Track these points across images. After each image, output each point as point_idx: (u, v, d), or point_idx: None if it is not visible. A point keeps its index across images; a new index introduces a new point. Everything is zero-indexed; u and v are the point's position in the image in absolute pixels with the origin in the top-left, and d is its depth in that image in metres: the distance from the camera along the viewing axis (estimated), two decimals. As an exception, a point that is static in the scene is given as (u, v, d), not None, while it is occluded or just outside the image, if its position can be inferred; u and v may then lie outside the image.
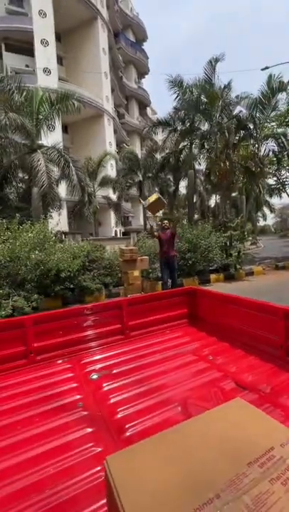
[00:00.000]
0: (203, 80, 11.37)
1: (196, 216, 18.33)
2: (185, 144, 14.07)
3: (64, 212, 17.58)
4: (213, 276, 8.15)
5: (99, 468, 1.01)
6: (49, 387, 1.57)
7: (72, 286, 6.19)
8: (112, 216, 21.70)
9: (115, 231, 23.07)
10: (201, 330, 2.32)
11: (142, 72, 36.74)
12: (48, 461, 1.08)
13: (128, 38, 33.04)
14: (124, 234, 23.41)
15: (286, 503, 0.47)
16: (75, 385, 1.60)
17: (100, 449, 1.11)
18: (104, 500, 0.87)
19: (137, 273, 6.33)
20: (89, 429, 1.23)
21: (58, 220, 12.66)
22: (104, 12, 25.21)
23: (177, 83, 11.63)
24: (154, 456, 0.58)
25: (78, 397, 1.48)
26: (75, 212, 17.38)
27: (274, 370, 1.63)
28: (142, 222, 22.43)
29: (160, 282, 6.60)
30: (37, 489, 0.96)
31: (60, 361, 1.89)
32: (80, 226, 19.48)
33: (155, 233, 6.35)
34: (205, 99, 11.37)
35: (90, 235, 17.69)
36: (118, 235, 22.00)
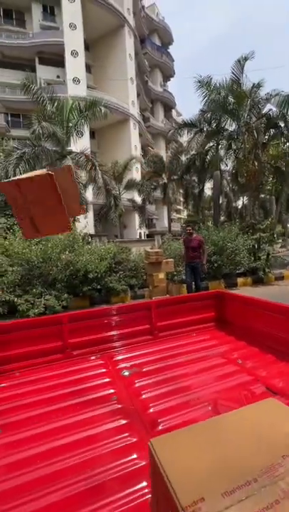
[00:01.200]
0: (231, 80, 11.18)
1: (222, 218, 17.93)
2: (211, 144, 13.89)
3: (90, 215, 18.19)
4: (240, 280, 7.94)
5: (135, 456, 1.09)
6: (84, 381, 1.69)
7: (99, 286, 6.41)
8: (137, 218, 21.98)
9: (140, 233, 23.32)
10: (229, 334, 2.32)
11: (168, 75, 36.92)
12: (86, 447, 1.18)
13: (154, 42, 33.44)
14: (148, 236, 23.57)
15: None
16: (108, 379, 1.70)
17: (134, 440, 1.19)
18: (141, 485, 0.95)
19: (162, 275, 6.38)
20: (123, 421, 1.32)
21: (86, 223, 13.12)
22: (130, 19, 25.78)
23: (205, 83, 11.54)
24: (195, 441, 0.64)
25: (112, 391, 1.57)
26: (101, 215, 17.90)
27: None
28: (166, 224, 22.43)
29: (185, 285, 6.59)
30: (76, 471, 1.06)
31: (93, 357, 2.01)
32: (106, 228, 19.99)
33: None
34: (232, 99, 11.16)
35: (115, 237, 18.08)
36: (142, 237, 22.22)
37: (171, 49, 36.72)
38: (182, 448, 0.62)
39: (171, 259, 6.67)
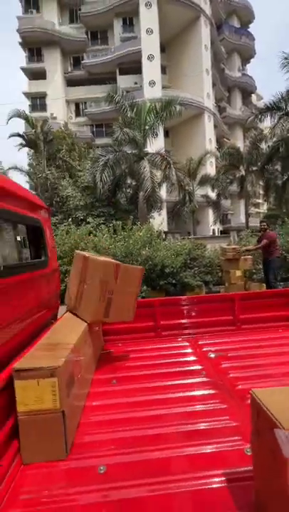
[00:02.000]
0: None
1: (311, 211, 15.61)
2: (300, 127, 12.26)
3: (164, 212, 18.75)
4: None
5: (227, 417, 1.28)
6: (176, 356, 1.97)
7: (174, 281, 6.71)
8: (211, 214, 21.35)
9: (213, 230, 22.60)
10: None
11: (247, 56, 33.97)
12: (183, 403, 1.43)
13: (232, 25, 31.26)
14: (222, 232, 22.63)
15: None
16: (195, 358, 1.93)
17: (225, 406, 1.38)
18: (235, 437, 1.13)
19: (239, 273, 6.19)
20: (213, 391, 1.52)
21: (162, 220, 13.66)
22: (207, 8, 24.84)
23: None
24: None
25: (200, 367, 1.79)
26: (174, 212, 18.20)
27: None
28: (242, 220, 21.04)
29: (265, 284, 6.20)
30: (176, 418, 1.32)
31: (180, 339, 2.28)
32: (178, 225, 20.21)
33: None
34: None
35: (187, 233, 18.13)
36: (216, 234, 21.49)
37: (253, 27, 33.58)
38: (278, 397, 0.79)
39: (250, 257, 6.37)
